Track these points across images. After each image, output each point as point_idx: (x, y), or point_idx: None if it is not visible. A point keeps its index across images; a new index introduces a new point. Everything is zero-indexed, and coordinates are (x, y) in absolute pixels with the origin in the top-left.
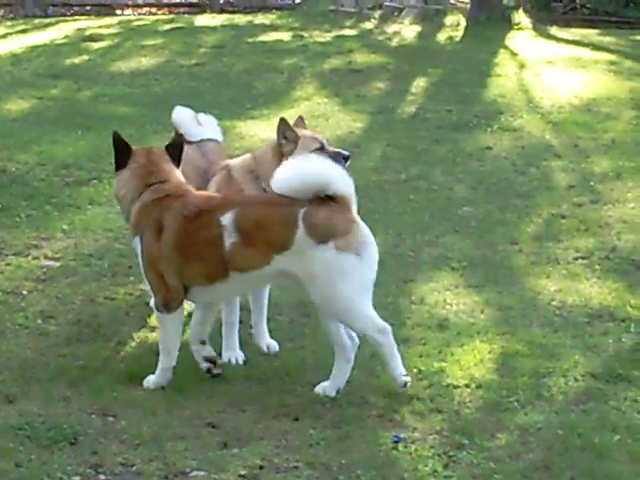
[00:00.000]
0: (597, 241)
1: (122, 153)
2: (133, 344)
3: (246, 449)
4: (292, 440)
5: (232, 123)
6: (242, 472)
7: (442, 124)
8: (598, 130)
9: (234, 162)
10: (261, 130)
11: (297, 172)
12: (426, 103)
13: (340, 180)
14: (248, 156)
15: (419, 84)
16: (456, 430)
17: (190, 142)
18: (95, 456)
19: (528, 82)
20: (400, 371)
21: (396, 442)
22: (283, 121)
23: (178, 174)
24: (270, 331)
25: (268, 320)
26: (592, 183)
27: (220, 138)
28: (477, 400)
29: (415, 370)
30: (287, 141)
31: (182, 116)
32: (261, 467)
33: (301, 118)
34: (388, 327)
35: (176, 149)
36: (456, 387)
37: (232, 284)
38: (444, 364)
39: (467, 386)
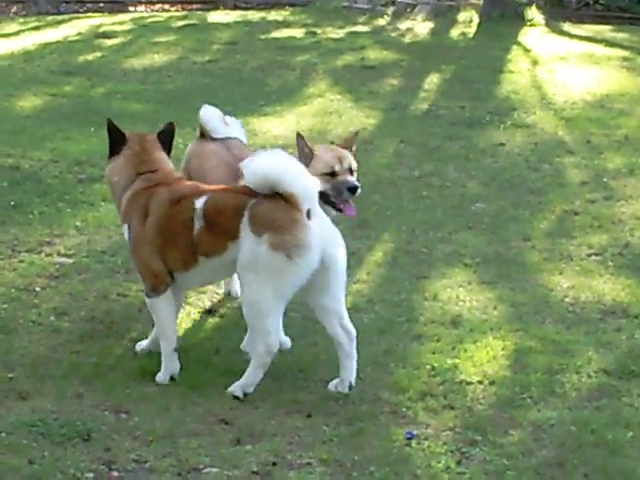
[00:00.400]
0: (610, 237)
1: (116, 140)
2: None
3: (259, 445)
4: (305, 437)
5: (245, 120)
6: (255, 468)
7: (455, 120)
8: (611, 126)
9: None
10: (274, 127)
11: (255, 167)
12: (439, 100)
13: (290, 178)
14: None
15: (432, 80)
16: (469, 427)
17: (215, 139)
18: (108, 453)
19: (541, 78)
20: (245, 385)
21: (409, 439)
22: (299, 136)
23: (168, 162)
24: (283, 327)
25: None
26: (605, 179)
27: (245, 140)
28: (490, 397)
29: (428, 367)
30: (304, 157)
31: (210, 114)
32: (274, 464)
33: (355, 134)
34: (275, 349)
35: (167, 136)
36: (469, 383)
37: (204, 270)
38: (457, 360)
39: (480, 382)
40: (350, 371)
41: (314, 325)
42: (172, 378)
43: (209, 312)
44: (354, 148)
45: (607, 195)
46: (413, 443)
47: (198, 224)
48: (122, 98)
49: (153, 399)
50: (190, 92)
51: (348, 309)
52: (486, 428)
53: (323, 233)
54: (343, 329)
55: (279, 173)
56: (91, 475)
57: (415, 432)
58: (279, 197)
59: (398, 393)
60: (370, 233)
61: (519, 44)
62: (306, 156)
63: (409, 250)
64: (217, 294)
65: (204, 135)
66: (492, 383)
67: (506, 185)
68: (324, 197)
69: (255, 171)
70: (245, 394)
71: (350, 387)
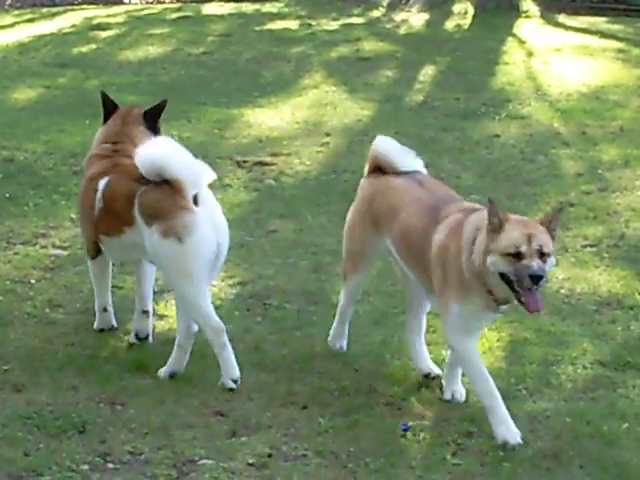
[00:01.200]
0: (605, 229)
1: (109, 110)
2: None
3: (254, 437)
4: (300, 428)
5: (240, 111)
6: (250, 460)
7: (450, 112)
8: (606, 118)
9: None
10: (269, 118)
11: (144, 154)
12: (434, 91)
13: (175, 165)
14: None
15: (427, 72)
16: (464, 418)
17: (401, 173)
18: (103, 445)
19: (536, 70)
20: (228, 373)
21: (405, 430)
22: (491, 202)
23: (143, 138)
24: (278, 319)
25: (275, 308)
26: (600, 171)
27: (424, 171)
28: None
29: None
30: (492, 227)
31: (390, 146)
32: (269, 455)
33: (558, 211)
34: (221, 327)
35: (154, 113)
36: (464, 375)
37: (110, 247)
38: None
39: None
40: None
41: (309, 317)
42: (102, 330)
43: None
44: (553, 226)
45: (602, 186)
46: (409, 435)
47: (98, 205)
48: (117, 90)
49: (148, 391)
50: (185, 84)
51: None
52: (482, 420)
53: (211, 219)
54: (188, 320)
55: (165, 160)
56: (86, 467)
57: (410, 424)
58: (166, 184)
59: (394, 385)
60: None
61: (514, 36)
62: (494, 227)
63: None
64: (212, 285)
65: (380, 169)
66: None
67: (501, 176)
68: (507, 281)
69: (144, 158)
70: (235, 381)
71: (171, 376)
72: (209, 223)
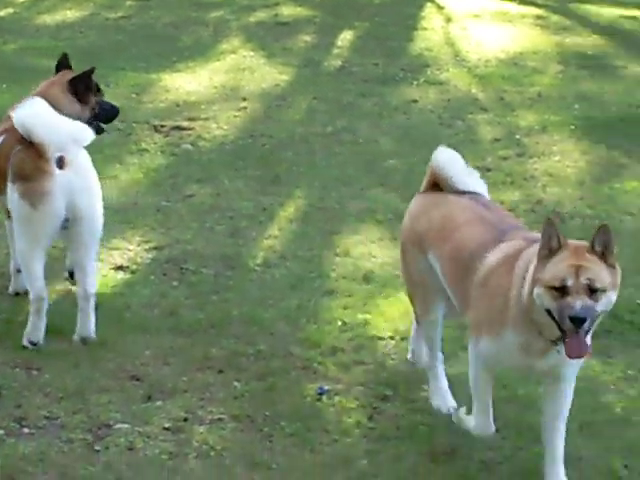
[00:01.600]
0: (523, 194)
1: (58, 70)
2: (55, 297)
3: (170, 402)
4: (216, 392)
5: (158, 76)
6: (166, 424)
7: (368, 77)
8: (524, 84)
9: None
10: (187, 83)
11: (17, 116)
12: (352, 56)
13: (39, 128)
14: None
15: (345, 37)
16: (380, 382)
17: (461, 192)
18: (19, 409)
19: (454, 36)
20: (29, 335)
21: (320, 394)
22: (550, 223)
23: (60, 104)
24: (194, 284)
25: (192, 272)
26: (518, 136)
27: (486, 194)
28: (402, 352)
29: (340, 322)
30: (547, 250)
31: (452, 160)
32: (185, 419)
33: (603, 228)
34: (43, 295)
35: (78, 81)
36: (381, 339)
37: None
38: (368, 316)
39: (392, 338)
40: (82, 326)
41: (226, 282)
42: (17, 294)
43: (119, 268)
44: (603, 251)
45: (519, 152)
46: (324, 398)
47: None
48: (34, 54)
49: (63, 356)
50: (103, 48)
51: (260, 265)
52: (398, 383)
53: (73, 182)
54: (82, 284)
55: (30, 121)
56: (2, 432)
57: (326, 387)
58: (33, 146)
59: (309, 349)
60: (282, 189)
61: (433, 1)
62: (550, 250)
63: (321, 206)
64: (128, 250)
65: (436, 185)
66: (404, 339)
67: (419, 142)
68: (554, 319)
69: (16, 119)
70: (33, 343)
71: (84, 342)
72: (67, 189)
